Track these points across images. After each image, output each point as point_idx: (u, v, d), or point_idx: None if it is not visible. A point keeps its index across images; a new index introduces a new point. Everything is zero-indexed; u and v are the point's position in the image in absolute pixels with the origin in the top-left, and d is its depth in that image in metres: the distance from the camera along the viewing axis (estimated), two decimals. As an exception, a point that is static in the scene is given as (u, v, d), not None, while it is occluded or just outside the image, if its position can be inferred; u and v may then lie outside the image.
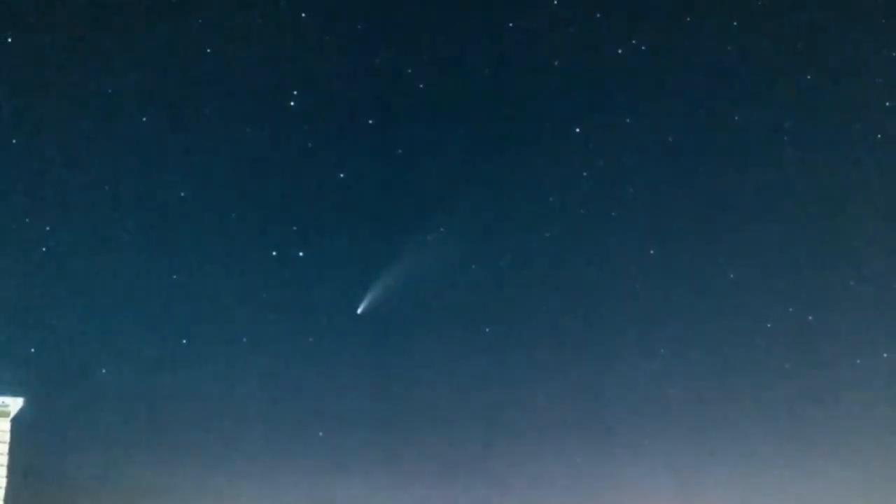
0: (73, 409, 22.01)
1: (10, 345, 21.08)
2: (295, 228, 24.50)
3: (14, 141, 22.17)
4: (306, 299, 24.58)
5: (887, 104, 25.21)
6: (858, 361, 25.06)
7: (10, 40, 21.79)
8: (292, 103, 24.09)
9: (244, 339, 23.83)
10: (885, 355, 24.91)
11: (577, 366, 25.28)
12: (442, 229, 24.61)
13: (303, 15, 24.37)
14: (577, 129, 25.09)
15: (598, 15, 25.28)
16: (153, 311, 23.30)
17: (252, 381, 23.54)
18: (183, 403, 22.94)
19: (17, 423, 15.37)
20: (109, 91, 23.13)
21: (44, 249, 22.27)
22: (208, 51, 23.60)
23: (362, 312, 24.05)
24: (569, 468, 24.73)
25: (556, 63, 25.30)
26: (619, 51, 25.20)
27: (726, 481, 24.43)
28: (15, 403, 15.15)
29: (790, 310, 25.28)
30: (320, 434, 23.85)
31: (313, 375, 24.20)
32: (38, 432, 18.54)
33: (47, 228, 22.27)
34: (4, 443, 14.95)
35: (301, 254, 24.38)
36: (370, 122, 24.81)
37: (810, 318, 25.27)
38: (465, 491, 23.97)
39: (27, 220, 22.15)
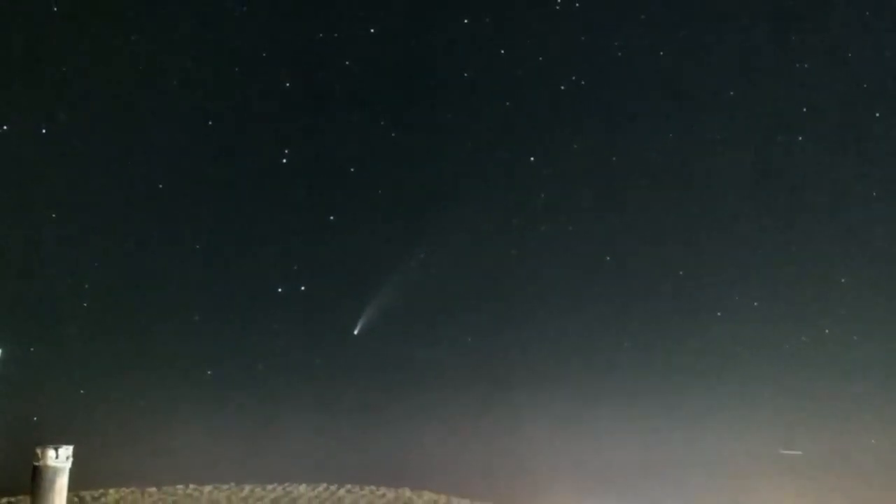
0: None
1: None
2: (295, 268, 28.31)
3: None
4: (309, 326, 28.24)
5: (804, 110, 28.54)
6: (804, 339, 27.61)
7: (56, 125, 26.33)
8: (284, 160, 28.20)
9: (259, 366, 27.56)
10: (826, 331, 27.58)
11: (554, 365, 28.25)
12: (422, 255, 28.28)
13: (287, 84, 28.58)
14: (532, 158, 28.70)
15: (541, 58, 29.05)
16: (179, 346, 27.13)
17: (265, 400, 27.11)
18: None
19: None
20: (136, 161, 27.77)
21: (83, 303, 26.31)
22: (210, 123, 27.97)
23: (358, 333, 27.73)
24: (564, 464, 27.40)
25: (508, 103, 29.05)
26: (562, 87, 28.86)
27: (688, 462, 26.86)
28: None
29: (736, 298, 28.10)
30: (332, 445, 27.26)
31: (321, 389, 27.55)
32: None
33: (85, 285, 26.37)
34: None
35: (302, 288, 28.13)
36: (352, 169, 28.81)
37: (755, 304, 28.03)
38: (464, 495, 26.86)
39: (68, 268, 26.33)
